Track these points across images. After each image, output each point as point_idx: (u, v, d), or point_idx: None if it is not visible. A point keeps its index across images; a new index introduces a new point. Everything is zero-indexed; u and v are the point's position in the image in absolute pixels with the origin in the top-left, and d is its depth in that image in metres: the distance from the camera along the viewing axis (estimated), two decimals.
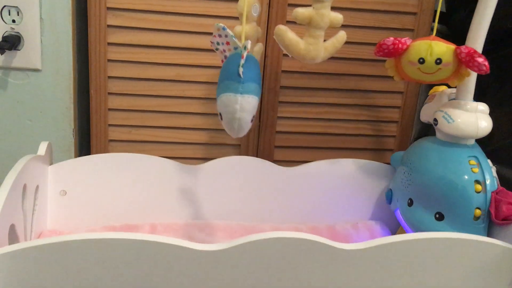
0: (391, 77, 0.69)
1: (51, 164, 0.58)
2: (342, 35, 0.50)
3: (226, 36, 0.46)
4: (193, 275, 0.40)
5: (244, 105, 0.43)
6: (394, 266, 0.42)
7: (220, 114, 0.45)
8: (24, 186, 0.49)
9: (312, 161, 0.64)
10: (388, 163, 0.65)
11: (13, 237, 0.46)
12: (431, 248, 0.42)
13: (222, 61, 0.48)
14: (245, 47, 0.43)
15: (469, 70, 0.49)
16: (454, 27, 0.72)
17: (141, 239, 0.38)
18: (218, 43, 0.47)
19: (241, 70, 0.43)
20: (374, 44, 0.67)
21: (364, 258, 0.41)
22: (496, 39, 0.54)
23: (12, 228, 0.45)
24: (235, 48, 0.46)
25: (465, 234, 0.43)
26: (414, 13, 0.67)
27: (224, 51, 0.47)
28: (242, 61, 0.43)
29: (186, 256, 0.39)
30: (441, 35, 0.78)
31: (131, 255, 0.39)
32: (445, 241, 0.42)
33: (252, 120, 0.45)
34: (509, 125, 0.63)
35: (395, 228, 0.65)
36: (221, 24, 0.45)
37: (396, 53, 0.51)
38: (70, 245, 0.38)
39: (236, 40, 0.45)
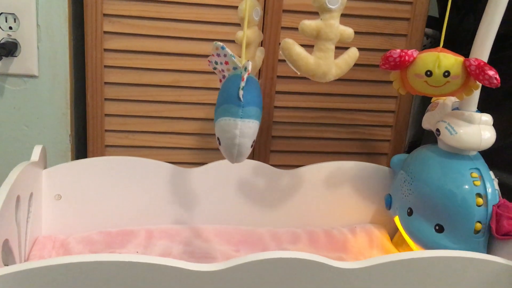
0: (385, 82, 0.70)
1: (45, 168, 0.58)
2: (354, 51, 0.46)
3: (225, 55, 0.43)
4: None
5: (244, 130, 0.41)
6: (392, 284, 0.42)
7: (218, 139, 0.42)
8: (18, 197, 0.48)
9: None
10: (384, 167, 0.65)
11: (7, 251, 0.45)
12: (431, 265, 0.42)
13: (220, 81, 0.46)
14: (245, 69, 0.41)
15: (478, 82, 0.48)
16: (446, 32, 0.73)
17: (136, 261, 0.37)
18: (216, 63, 0.45)
19: (241, 93, 0.40)
20: (367, 50, 0.68)
21: (363, 277, 0.41)
22: None
23: (6, 243, 0.45)
24: (234, 68, 0.43)
25: (465, 252, 0.42)
26: (407, 19, 0.68)
27: (223, 70, 0.45)
28: (243, 84, 0.40)
29: (183, 276, 0.38)
30: (434, 40, 0.79)
31: (126, 277, 0.38)
32: (445, 259, 0.42)
33: (252, 146, 0.42)
34: (502, 128, 0.63)
35: (393, 231, 0.65)
36: (219, 43, 0.43)
37: (403, 65, 0.49)
38: (64, 267, 0.37)
39: (235, 60, 0.43)
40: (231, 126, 0.41)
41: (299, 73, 0.45)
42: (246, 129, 0.41)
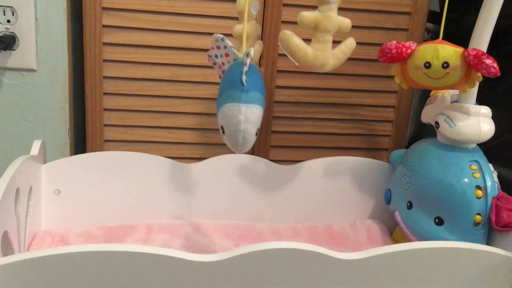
0: (386, 77, 0.70)
1: (45, 163, 0.58)
2: (351, 42, 0.47)
3: (225, 47, 0.43)
4: (190, 286, 0.40)
5: (248, 116, 0.39)
6: (392, 275, 0.42)
7: (222, 127, 0.41)
8: (17, 190, 0.48)
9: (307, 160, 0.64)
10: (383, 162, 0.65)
11: (6, 244, 0.45)
12: (430, 257, 0.42)
13: (220, 76, 0.46)
14: (247, 54, 0.40)
15: (479, 74, 0.47)
16: (447, 27, 0.73)
17: (137, 251, 0.37)
18: (216, 56, 0.45)
19: (244, 77, 0.39)
20: (368, 44, 0.68)
21: (363, 268, 0.41)
22: (491, 38, 0.54)
23: (5, 235, 0.45)
24: (235, 60, 0.43)
25: (465, 243, 0.43)
26: (408, 13, 0.68)
27: (223, 64, 0.45)
28: (246, 68, 0.39)
29: (183, 267, 0.38)
30: (435, 34, 0.79)
31: (127, 267, 0.38)
32: (445, 250, 0.42)
33: (256, 134, 0.41)
34: (502, 123, 0.63)
35: (393, 227, 0.65)
36: (219, 34, 0.43)
37: (400, 58, 0.49)
38: (64, 257, 0.37)
39: (236, 52, 0.43)
40: (235, 112, 0.39)
41: (297, 64, 0.45)
42: (250, 114, 0.40)
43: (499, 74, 0.45)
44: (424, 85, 0.50)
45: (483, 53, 0.45)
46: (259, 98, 0.41)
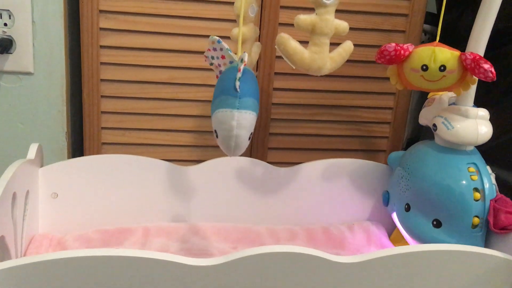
0: (383, 79, 0.70)
1: (41, 166, 0.58)
2: (348, 44, 0.47)
3: (221, 49, 0.43)
4: None
5: (241, 122, 0.41)
6: (390, 278, 0.42)
7: (216, 131, 0.42)
8: (14, 194, 0.48)
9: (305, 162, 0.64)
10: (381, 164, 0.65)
11: (3, 248, 0.45)
12: (428, 260, 0.42)
13: (217, 76, 0.46)
14: (241, 60, 0.41)
15: (475, 77, 0.48)
16: (445, 28, 0.73)
17: (135, 255, 0.37)
18: (212, 57, 0.45)
19: (237, 83, 0.40)
20: (365, 46, 0.68)
21: (361, 271, 0.41)
22: (489, 39, 0.54)
23: (2, 240, 0.45)
24: (231, 62, 0.44)
25: (463, 245, 0.43)
26: (406, 15, 0.68)
27: (219, 65, 0.45)
28: (239, 74, 0.40)
29: (181, 271, 0.38)
30: (432, 36, 0.79)
31: (124, 272, 0.38)
32: (443, 253, 0.42)
33: (249, 138, 0.42)
34: (501, 125, 0.63)
35: (391, 229, 0.64)
36: (215, 37, 0.43)
37: (398, 59, 0.49)
38: (62, 262, 0.37)
39: (232, 54, 0.43)
40: (228, 117, 0.40)
41: (294, 67, 0.45)
42: (243, 120, 0.41)
43: (495, 78, 0.45)
44: (420, 87, 0.50)
45: (480, 58, 0.45)
46: (252, 103, 0.41)
